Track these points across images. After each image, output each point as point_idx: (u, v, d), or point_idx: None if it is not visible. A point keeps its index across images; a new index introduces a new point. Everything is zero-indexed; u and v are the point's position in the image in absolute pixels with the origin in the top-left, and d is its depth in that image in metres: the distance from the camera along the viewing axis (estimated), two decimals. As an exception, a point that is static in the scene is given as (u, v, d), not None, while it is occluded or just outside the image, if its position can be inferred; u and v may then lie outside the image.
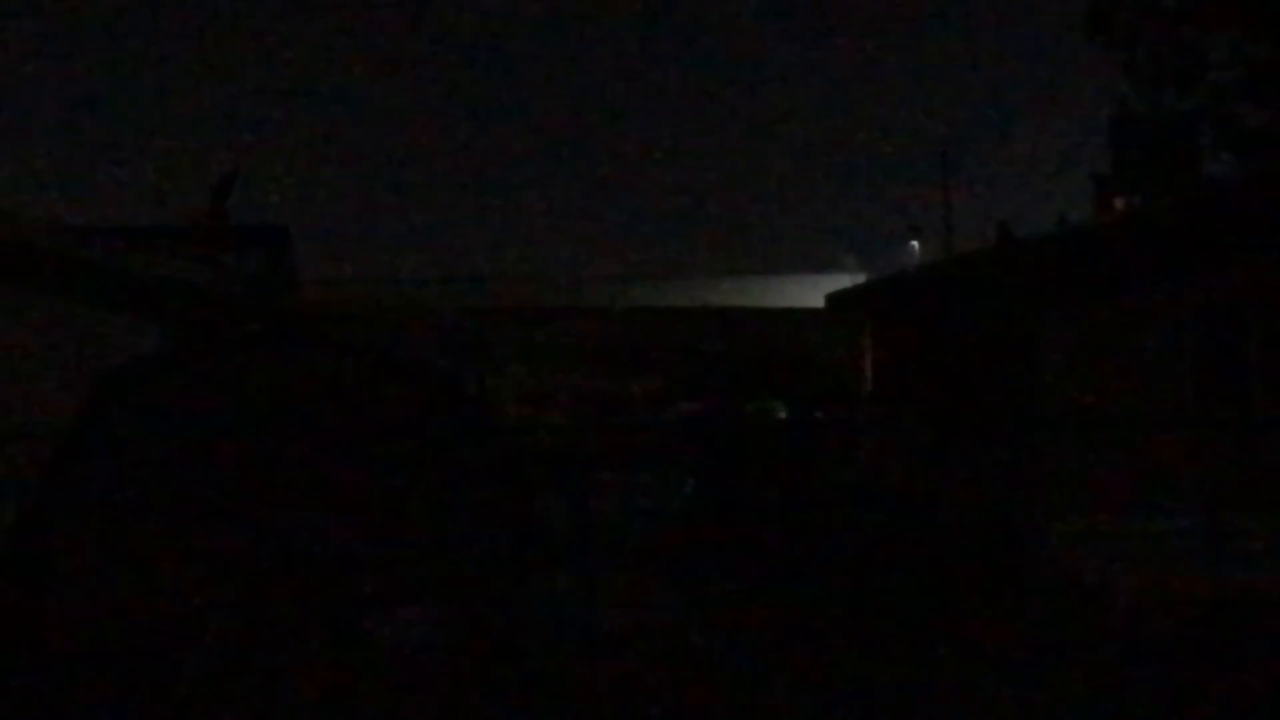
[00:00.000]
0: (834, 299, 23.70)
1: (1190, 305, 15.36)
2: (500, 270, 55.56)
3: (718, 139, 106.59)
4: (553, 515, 17.49)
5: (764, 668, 11.51)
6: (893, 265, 46.07)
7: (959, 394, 17.29)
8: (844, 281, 34.88)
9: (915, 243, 51.62)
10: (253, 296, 20.83)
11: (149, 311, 16.61)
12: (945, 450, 17.05)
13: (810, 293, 38.21)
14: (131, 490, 10.04)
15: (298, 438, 10.36)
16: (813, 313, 35.60)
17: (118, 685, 9.42)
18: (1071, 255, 15.87)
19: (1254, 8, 30.58)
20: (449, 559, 10.35)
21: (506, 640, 10.45)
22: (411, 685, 9.74)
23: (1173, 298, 15.36)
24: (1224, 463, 14.80)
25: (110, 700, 9.33)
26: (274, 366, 10.78)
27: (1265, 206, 15.73)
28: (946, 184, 46.01)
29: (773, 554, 15.07)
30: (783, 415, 31.47)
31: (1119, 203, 26.68)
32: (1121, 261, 15.53)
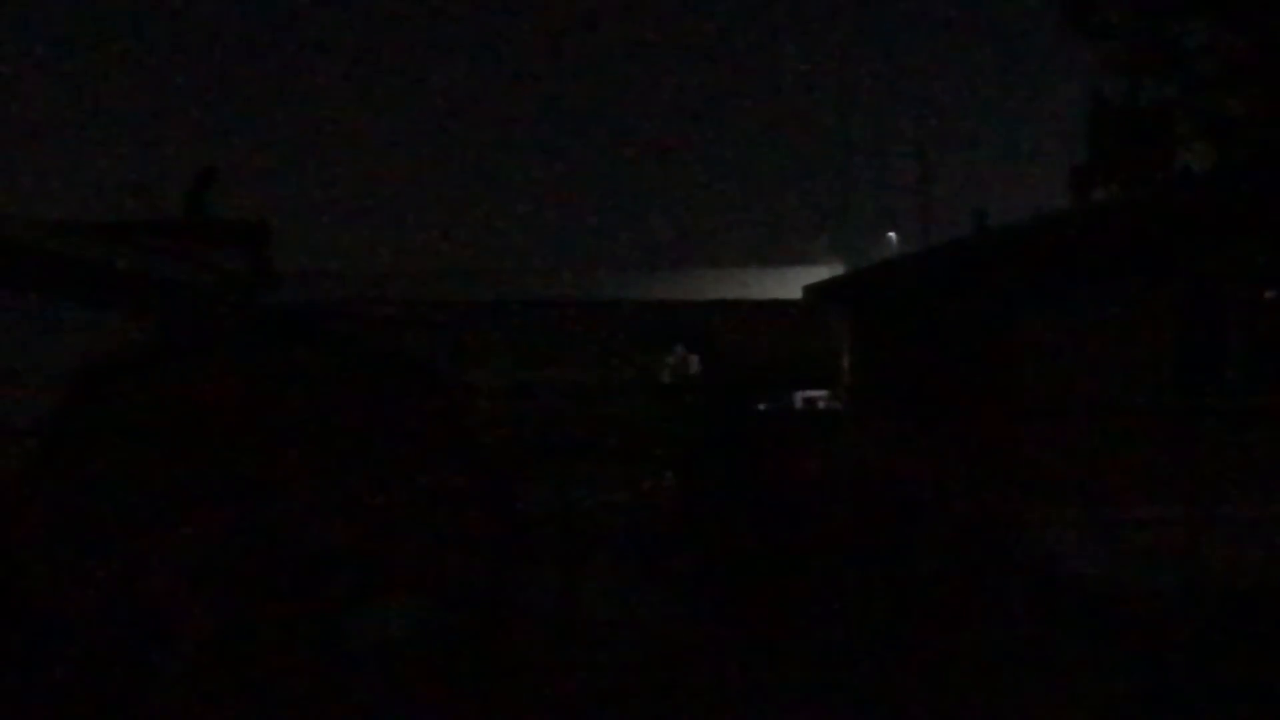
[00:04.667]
0: (812, 290, 23.73)
1: (1169, 295, 15.39)
2: (478, 263, 55.50)
3: (695, 131, 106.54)
4: (533, 507, 17.51)
5: (742, 657, 11.55)
6: (870, 257, 46.17)
7: (937, 385, 17.32)
8: (822, 273, 34.99)
9: (893, 234, 51.76)
10: (232, 292, 20.79)
11: (128, 307, 16.58)
12: (924, 440, 17.09)
13: (788, 284, 38.29)
14: (112, 486, 10.03)
15: (276, 432, 10.35)
16: (790, 304, 35.67)
17: (98, 680, 9.41)
18: (1049, 246, 15.89)
19: (1230, -2, 30.68)
20: (428, 552, 10.35)
21: (487, 633, 10.46)
22: (392, 679, 9.74)
23: (1151, 288, 15.39)
24: (1204, 452, 14.85)
25: (90, 696, 9.33)
26: (253, 361, 10.77)
27: (1242, 196, 15.77)
28: (924, 176, 46.05)
29: (751, 545, 15.10)
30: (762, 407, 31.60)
31: (1096, 193, 26.76)
32: (1099, 252, 15.56)
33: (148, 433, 10.23)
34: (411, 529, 10.42)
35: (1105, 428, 14.97)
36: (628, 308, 45.28)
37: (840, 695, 10.50)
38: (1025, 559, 14.35)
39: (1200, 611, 13.42)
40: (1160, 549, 14.43)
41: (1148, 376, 15.22)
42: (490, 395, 31.85)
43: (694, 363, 33.60)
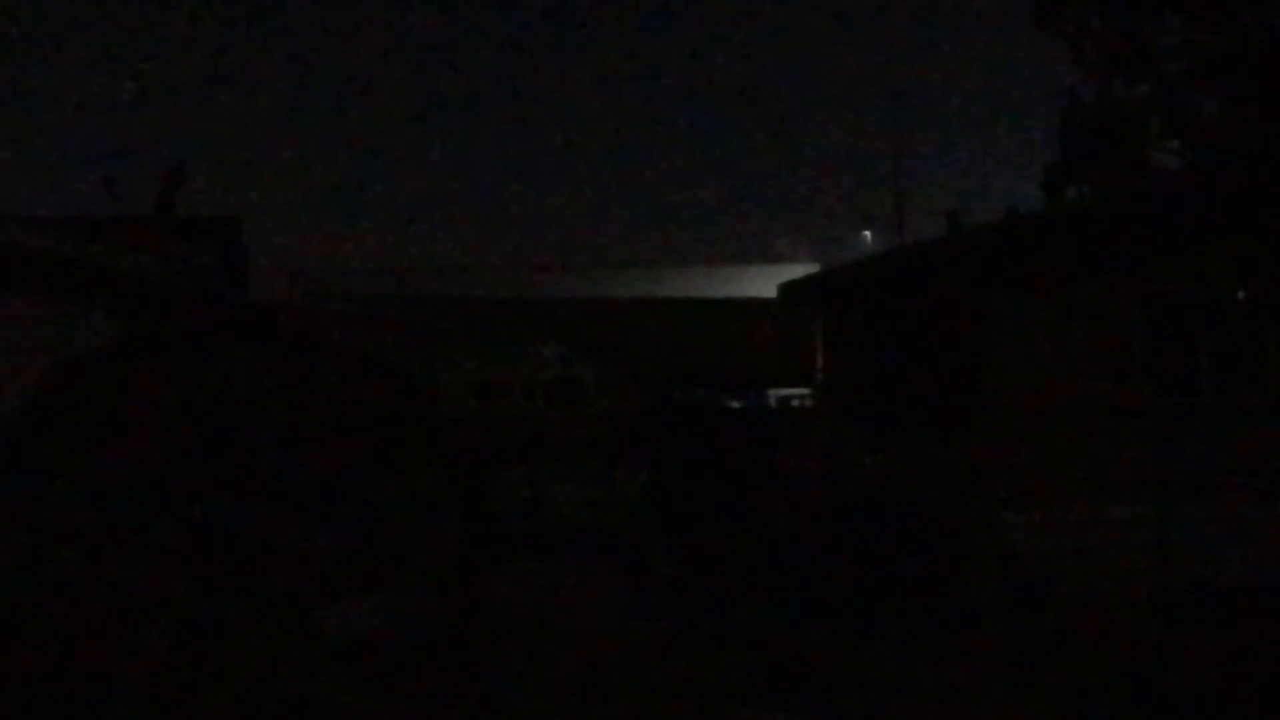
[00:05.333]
0: (787, 289, 23.71)
1: (1139, 294, 15.42)
2: (451, 261, 55.42)
3: (670, 131, 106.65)
4: (505, 505, 17.49)
5: (717, 651, 11.54)
6: (845, 256, 46.21)
7: (910, 384, 17.33)
8: (797, 272, 34.99)
9: (867, 233, 51.80)
10: (202, 288, 20.73)
11: (99, 304, 16.51)
12: (896, 440, 17.10)
13: (763, 283, 38.29)
14: (80, 480, 9.99)
15: (246, 429, 10.32)
16: (765, 303, 35.67)
17: (65, 674, 9.37)
18: (1022, 245, 15.90)
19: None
20: (399, 549, 10.33)
21: (458, 630, 10.45)
22: (362, 675, 9.72)
23: (1122, 287, 15.41)
24: (1174, 451, 14.88)
25: (61, 687, 9.29)
26: (223, 358, 10.74)
27: (1213, 196, 15.81)
28: (898, 175, 46.08)
29: (723, 543, 15.10)
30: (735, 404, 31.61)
31: (1069, 192, 26.83)
32: (1071, 251, 15.58)
33: (116, 428, 10.18)
34: (383, 525, 10.40)
35: (1075, 426, 14.99)
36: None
37: (811, 691, 10.51)
38: (994, 557, 14.37)
39: (1170, 610, 13.45)
40: (1130, 548, 14.46)
41: (1119, 376, 15.25)
42: (462, 393, 31.84)
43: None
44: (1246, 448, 15.22)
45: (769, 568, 14.59)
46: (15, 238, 15.54)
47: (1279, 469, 15.19)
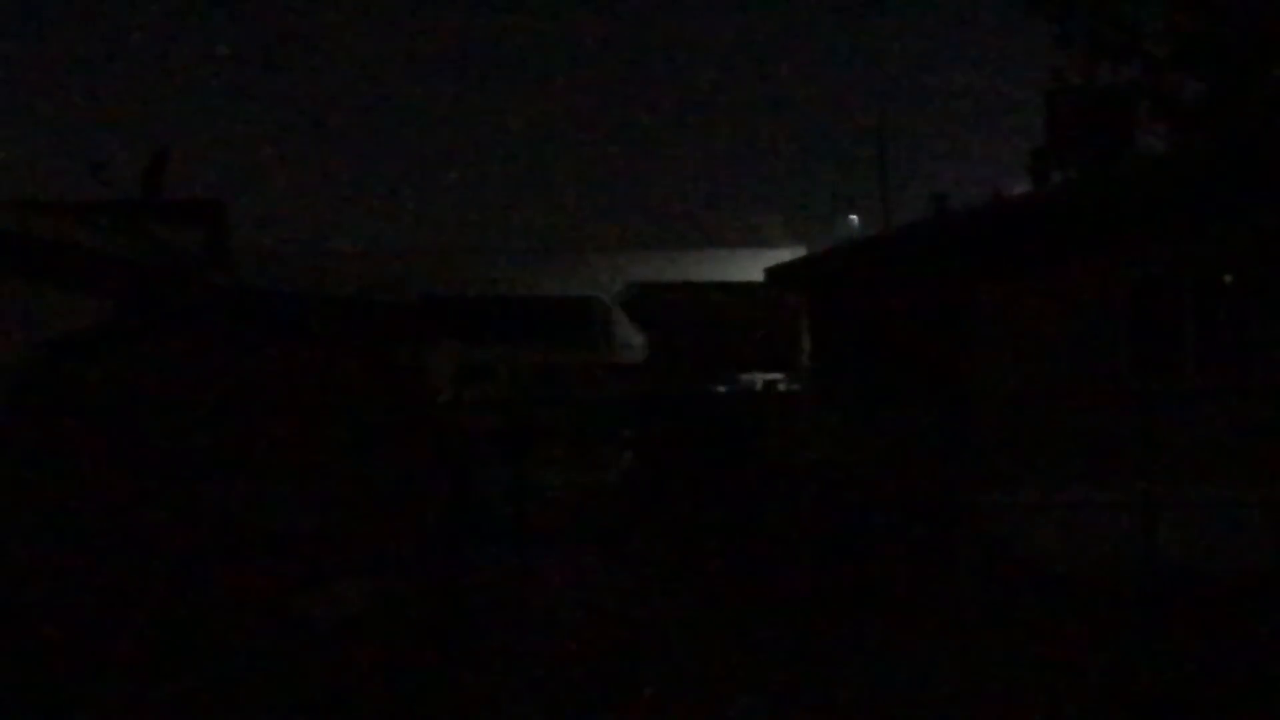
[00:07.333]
0: (772, 273, 23.70)
1: (1125, 278, 15.44)
2: (437, 245, 55.22)
3: (652, 111, 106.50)
4: (490, 487, 17.48)
5: (698, 637, 11.56)
6: (831, 239, 46.14)
7: (896, 367, 17.33)
8: (781, 255, 34.92)
9: (853, 216, 51.70)
10: (187, 271, 20.68)
11: (84, 286, 16.46)
12: (881, 423, 17.11)
13: (748, 266, 38.21)
14: (67, 464, 9.98)
15: (230, 412, 10.31)
16: (751, 286, 35.59)
17: (50, 654, 9.37)
18: (1007, 228, 15.92)
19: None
20: (383, 533, 10.33)
21: (441, 614, 10.45)
22: (345, 659, 9.72)
23: (1108, 270, 15.44)
24: (1160, 434, 14.90)
25: (41, 669, 9.29)
26: (206, 341, 10.72)
27: (1198, 179, 15.83)
28: (883, 157, 45.93)
29: (710, 524, 15.11)
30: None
31: (1055, 175, 26.78)
32: (1057, 234, 15.60)
33: (103, 412, 10.17)
34: (367, 508, 10.40)
35: (1061, 409, 15.02)
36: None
37: (796, 674, 10.52)
38: (980, 541, 14.39)
39: (1155, 593, 13.48)
40: (1116, 531, 14.48)
41: (1105, 358, 15.27)
42: (448, 377, 31.76)
43: None
44: (1233, 431, 15.25)
45: (752, 553, 14.60)
46: (3, 221, 15.51)
47: (1266, 453, 15.22)
